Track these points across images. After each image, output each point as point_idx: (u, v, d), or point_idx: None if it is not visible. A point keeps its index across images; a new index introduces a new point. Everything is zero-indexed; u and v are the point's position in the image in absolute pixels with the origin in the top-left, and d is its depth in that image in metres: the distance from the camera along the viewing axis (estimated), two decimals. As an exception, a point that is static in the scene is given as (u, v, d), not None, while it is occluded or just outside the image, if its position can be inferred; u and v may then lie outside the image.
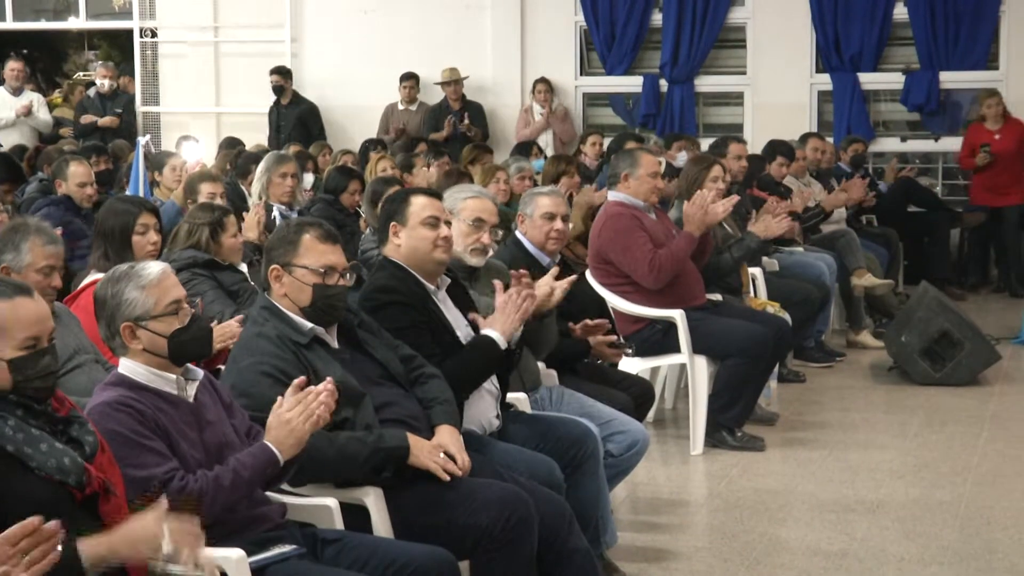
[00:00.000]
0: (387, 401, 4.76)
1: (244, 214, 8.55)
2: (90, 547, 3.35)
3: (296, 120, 15.00)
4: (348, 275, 4.81)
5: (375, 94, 15.16)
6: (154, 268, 4.10)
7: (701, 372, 7.66)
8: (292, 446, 4.03)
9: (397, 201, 5.46)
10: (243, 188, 10.26)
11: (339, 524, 4.40)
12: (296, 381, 4.12)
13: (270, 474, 4.04)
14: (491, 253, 6.05)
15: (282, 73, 15.17)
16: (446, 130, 14.47)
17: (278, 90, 15.14)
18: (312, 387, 4.08)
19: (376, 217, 8.32)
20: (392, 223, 5.38)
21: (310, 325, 4.67)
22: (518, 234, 6.69)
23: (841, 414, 8.69)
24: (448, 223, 5.48)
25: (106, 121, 14.74)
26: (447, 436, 4.73)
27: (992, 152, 12.93)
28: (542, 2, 15.12)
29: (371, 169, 10.40)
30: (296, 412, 4.01)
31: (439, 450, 4.62)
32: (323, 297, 4.69)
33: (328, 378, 4.21)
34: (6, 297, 3.56)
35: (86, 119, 14.77)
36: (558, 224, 6.58)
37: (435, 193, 5.63)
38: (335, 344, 4.75)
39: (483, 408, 5.33)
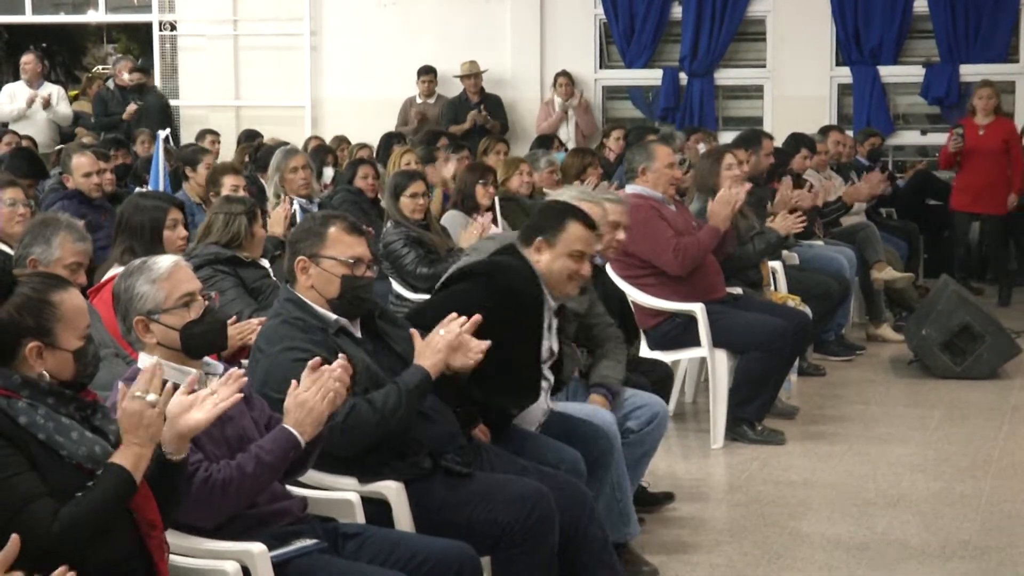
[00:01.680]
0: None
1: (269, 208, 8.62)
2: (122, 458, 3.43)
3: (155, 110, 14.79)
4: (373, 267, 4.83)
5: (393, 87, 15.19)
6: (165, 262, 4.11)
7: (721, 366, 7.66)
8: (311, 426, 4.02)
9: (553, 218, 5.39)
10: (262, 181, 10.29)
11: (360, 518, 4.41)
12: (311, 362, 4.10)
13: (293, 457, 4.02)
14: None
15: (142, 70, 15.13)
16: (469, 122, 14.47)
17: (140, 87, 15.06)
18: (326, 366, 4.08)
19: (397, 210, 8.37)
20: (541, 238, 5.33)
21: (335, 316, 4.67)
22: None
23: (861, 408, 8.67)
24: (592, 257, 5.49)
25: (131, 110, 14.76)
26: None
27: (972, 148, 12.10)
28: (562, -4, 15.16)
29: (394, 162, 10.42)
30: (312, 392, 4.01)
31: (435, 336, 4.64)
32: (351, 288, 4.69)
33: (341, 355, 4.23)
34: (63, 288, 3.65)
35: (130, 112, 14.70)
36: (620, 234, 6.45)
37: (593, 224, 5.48)
38: (358, 334, 4.76)
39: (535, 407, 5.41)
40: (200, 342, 4.11)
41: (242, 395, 3.70)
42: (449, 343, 4.57)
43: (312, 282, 4.69)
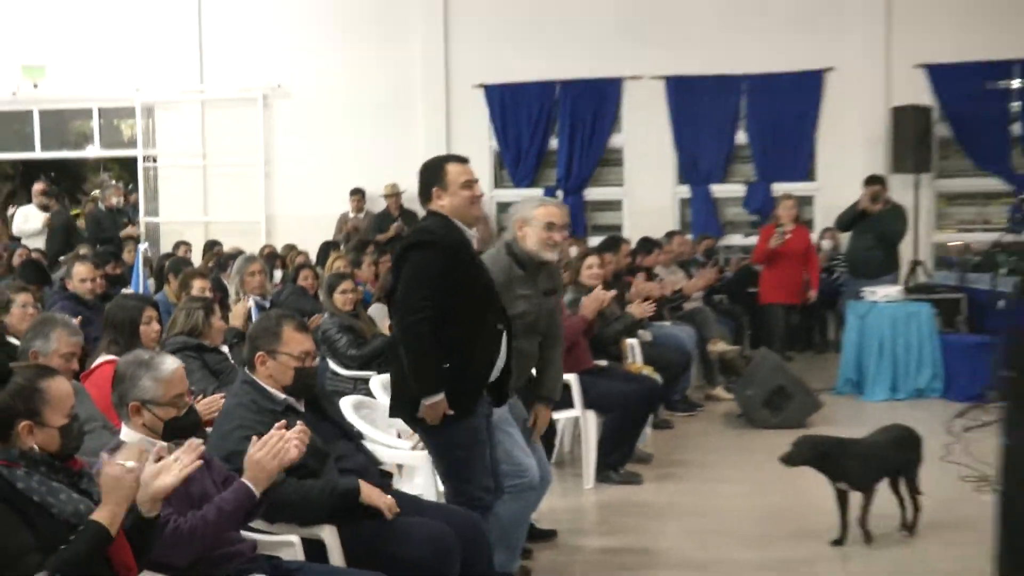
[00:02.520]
0: (342, 454, 4.72)
1: (231, 303, 8.55)
2: (101, 515, 3.36)
3: (59, 229, 14.65)
4: (316, 356, 4.79)
5: (331, 205, 15.14)
6: (170, 365, 4.08)
7: (591, 423, 7.66)
8: (264, 480, 3.97)
9: (434, 170, 5.13)
10: (224, 281, 10.21)
11: (300, 556, 4.35)
12: (275, 426, 4.06)
13: (248, 507, 3.96)
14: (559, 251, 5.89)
15: (49, 194, 15.01)
16: (392, 232, 14.46)
17: (44, 206, 14.82)
18: (274, 431, 4.03)
19: (332, 303, 8.33)
20: (435, 188, 5.09)
21: (283, 396, 4.63)
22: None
23: (701, 454, 8.70)
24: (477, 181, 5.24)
25: (130, 231, 14.63)
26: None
27: (781, 250, 11.50)
28: (464, 131, 15.20)
29: (329, 265, 10.39)
30: (264, 452, 3.97)
31: (385, 495, 4.56)
32: (303, 378, 4.66)
33: (299, 422, 4.18)
34: (50, 376, 3.60)
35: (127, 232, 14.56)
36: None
37: (465, 159, 5.26)
38: (302, 409, 4.71)
39: None
40: (178, 433, 4.06)
41: (201, 461, 3.64)
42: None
43: (270, 372, 4.65)
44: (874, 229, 11.54)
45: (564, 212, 5.88)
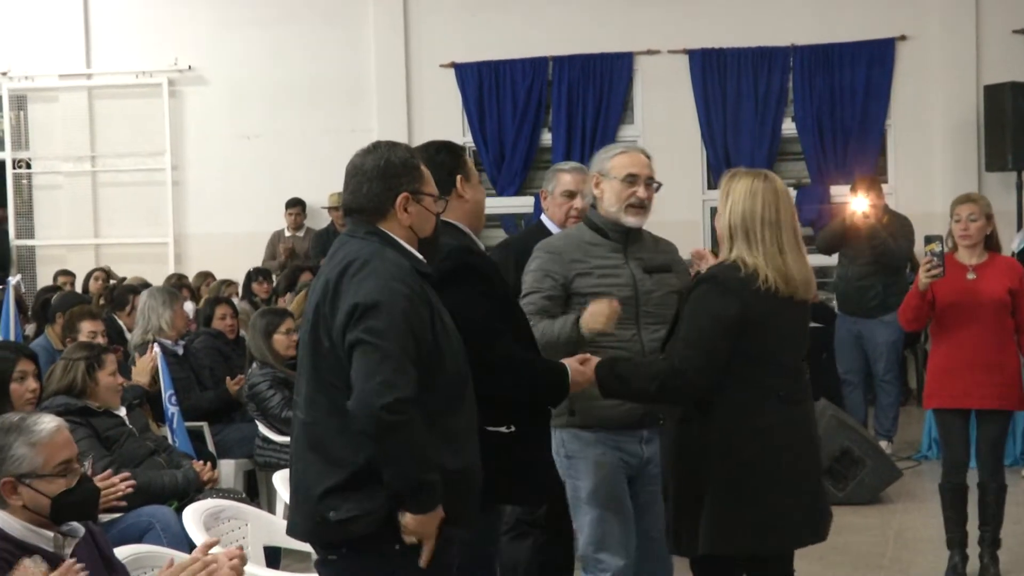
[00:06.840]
0: None
1: (134, 352, 8.49)
2: None
3: None
4: None
5: (261, 221, 15.17)
6: (48, 424, 4.04)
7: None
8: None
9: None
10: (120, 322, 10.15)
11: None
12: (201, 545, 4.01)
13: None
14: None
15: None
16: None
17: None
18: (198, 556, 3.98)
19: (269, 349, 8.29)
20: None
21: (420, 255, 4.32)
22: (543, 217, 6.67)
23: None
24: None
25: None
26: None
27: (960, 297, 7.42)
28: (429, 124, 15.16)
29: (298, 303, 10.24)
30: None
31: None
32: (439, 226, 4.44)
33: (240, 547, 4.13)
34: None
35: None
36: (578, 203, 6.47)
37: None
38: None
39: None
40: (70, 512, 4.03)
41: None
42: None
43: (412, 221, 4.30)
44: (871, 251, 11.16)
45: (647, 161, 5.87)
